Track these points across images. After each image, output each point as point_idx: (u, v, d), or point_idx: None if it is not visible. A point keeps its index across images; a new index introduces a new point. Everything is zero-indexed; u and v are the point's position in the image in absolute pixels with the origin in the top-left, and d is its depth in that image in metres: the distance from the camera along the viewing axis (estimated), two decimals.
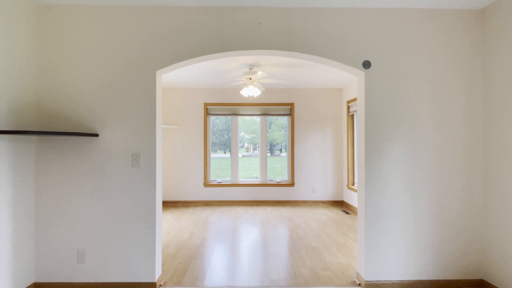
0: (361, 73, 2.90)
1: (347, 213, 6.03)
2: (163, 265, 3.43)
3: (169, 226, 5.02)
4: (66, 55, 2.80)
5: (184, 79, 5.95)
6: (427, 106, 2.88)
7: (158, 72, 2.84)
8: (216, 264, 3.50)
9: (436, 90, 2.89)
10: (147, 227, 2.80)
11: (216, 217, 5.70)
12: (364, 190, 2.88)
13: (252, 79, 4.86)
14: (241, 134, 7.74)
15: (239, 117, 7.21)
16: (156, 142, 2.82)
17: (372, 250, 2.87)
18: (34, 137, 2.78)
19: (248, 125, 8.33)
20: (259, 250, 3.94)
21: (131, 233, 2.79)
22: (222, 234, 4.63)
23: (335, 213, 5.98)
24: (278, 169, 8.38)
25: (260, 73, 4.45)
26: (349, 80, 6.09)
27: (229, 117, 7.18)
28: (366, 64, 2.87)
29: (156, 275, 2.84)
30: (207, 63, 4.79)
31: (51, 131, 2.36)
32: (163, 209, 6.36)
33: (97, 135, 2.78)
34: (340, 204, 6.84)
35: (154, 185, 2.81)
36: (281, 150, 7.94)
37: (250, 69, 4.90)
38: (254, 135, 8.15)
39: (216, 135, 7.52)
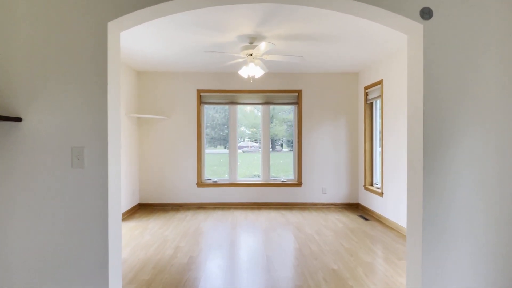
0: (418, 26, 1.93)
1: (366, 219, 5.09)
2: None
3: (151, 238, 4.08)
4: None
5: (172, 60, 4.98)
6: None
7: (111, 25, 1.88)
8: None
9: None
10: (96, 255, 1.85)
11: (210, 224, 4.76)
12: (421, 201, 1.93)
13: (253, 55, 3.89)
14: (242, 129, 6.80)
15: (239, 108, 6.24)
16: (108, 131, 1.86)
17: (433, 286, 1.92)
18: None
19: (249, 119, 7.39)
20: (262, 275, 3.00)
21: (71, 266, 1.85)
22: (216, 249, 3.69)
23: (352, 220, 5.04)
24: (281, 166, 7.44)
25: (263, 45, 3.47)
26: (367, 62, 5.11)
27: (227, 107, 6.21)
28: (426, 13, 1.90)
29: None
30: (196, 36, 3.82)
31: None
32: (149, 213, 5.42)
33: (20, 119, 1.83)
34: (355, 208, 5.89)
35: (105, 195, 1.86)
36: (282, 145, 6.99)
37: (251, 43, 3.92)
38: (254, 129, 7.20)
39: (216, 130, 6.59)
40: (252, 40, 3.89)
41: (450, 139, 1.90)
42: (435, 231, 1.91)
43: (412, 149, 2.03)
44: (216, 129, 6.65)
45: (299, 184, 5.98)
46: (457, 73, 1.90)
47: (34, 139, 1.85)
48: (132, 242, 3.93)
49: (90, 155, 1.85)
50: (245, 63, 4.25)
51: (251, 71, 3.98)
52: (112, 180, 1.90)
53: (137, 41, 4.07)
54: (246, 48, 3.84)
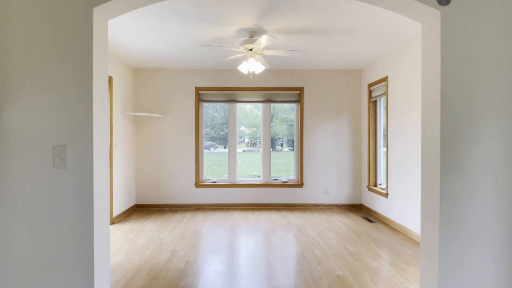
0: (435, 13, 1.76)
1: (370, 220, 4.92)
2: None
3: (146, 241, 3.91)
4: None
5: (170, 56, 4.81)
6: None
7: (97, 11, 1.70)
8: None
9: None
10: (81, 263, 1.68)
11: (208, 226, 4.59)
12: (437, 205, 1.75)
13: (253, 50, 3.71)
14: (242, 128, 6.62)
15: (238, 107, 6.06)
16: (94, 128, 1.69)
17: None
18: None
19: (249, 119, 7.22)
20: (262, 282, 2.82)
21: (52, 274, 1.67)
22: (214, 253, 3.52)
23: (355, 221, 4.87)
24: (282, 165, 7.27)
25: (264, 38, 3.30)
26: (370, 58, 4.94)
27: (227, 107, 6.04)
28: None
29: None
30: (194, 30, 3.64)
31: None
32: (146, 214, 5.25)
33: None
34: (358, 209, 5.72)
35: (90, 198, 1.68)
36: (282, 145, 6.83)
37: (251, 37, 3.75)
38: (254, 129, 7.04)
39: (216, 129, 6.42)
40: (252, 34, 3.71)
41: (471, 137, 1.73)
42: (453, 238, 1.74)
43: (428, 148, 1.85)
44: (216, 129, 6.48)
45: (300, 184, 5.80)
46: (479, 65, 1.73)
47: (11, 136, 1.68)
48: (127, 245, 3.76)
49: (74, 155, 1.68)
50: (244, 58, 4.08)
51: (251, 67, 3.80)
52: (98, 182, 1.73)
53: (133, 36, 3.89)
54: (246, 42, 3.66)
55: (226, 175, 6.05)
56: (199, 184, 5.77)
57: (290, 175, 6.11)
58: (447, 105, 1.73)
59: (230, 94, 5.81)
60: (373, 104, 5.44)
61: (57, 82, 1.66)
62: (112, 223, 4.68)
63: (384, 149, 5.18)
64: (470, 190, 1.73)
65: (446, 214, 1.74)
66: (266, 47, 4.10)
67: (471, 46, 1.72)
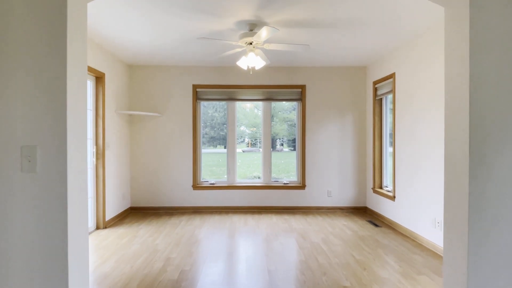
0: None
1: (375, 225, 4.68)
2: None
3: (139, 248, 3.67)
4: None
5: (166, 51, 4.57)
6: None
7: None
8: None
9: None
10: (53, 284, 1.45)
11: (206, 231, 4.35)
12: (466, 216, 1.52)
13: (253, 43, 3.48)
14: (242, 128, 6.39)
15: (238, 106, 5.83)
16: (67, 125, 1.46)
17: None
18: None
19: (249, 118, 6.99)
20: None
21: None
22: (211, 261, 3.28)
23: (361, 226, 4.63)
24: (282, 166, 7.03)
25: (264, 30, 3.06)
26: (376, 54, 4.70)
27: (226, 106, 5.80)
28: None
29: None
30: (191, 23, 3.41)
31: None
32: (141, 218, 5.01)
33: None
34: (363, 212, 5.49)
35: (63, 206, 1.45)
36: (282, 145, 6.59)
37: (251, 30, 3.51)
38: (254, 129, 6.81)
39: (215, 129, 6.18)
40: (252, 27, 3.48)
41: (505, 137, 1.50)
42: (484, 249, 1.51)
43: (453, 150, 1.61)
44: (215, 129, 6.25)
45: (302, 186, 5.57)
46: None
47: None
48: (118, 252, 3.52)
49: (45, 156, 1.45)
50: (244, 53, 3.84)
51: (251, 62, 3.56)
52: (73, 188, 1.49)
53: (126, 29, 3.66)
54: (245, 35, 3.43)
55: (225, 176, 5.81)
56: (196, 186, 5.53)
57: (291, 176, 5.88)
58: (478, 101, 1.49)
59: (229, 92, 5.58)
60: (378, 102, 5.21)
61: (25, 72, 1.43)
62: (104, 227, 4.44)
63: (390, 150, 4.95)
64: (504, 196, 1.50)
65: (476, 222, 1.50)
66: (267, 41, 3.87)
67: (509, 31, 1.48)
